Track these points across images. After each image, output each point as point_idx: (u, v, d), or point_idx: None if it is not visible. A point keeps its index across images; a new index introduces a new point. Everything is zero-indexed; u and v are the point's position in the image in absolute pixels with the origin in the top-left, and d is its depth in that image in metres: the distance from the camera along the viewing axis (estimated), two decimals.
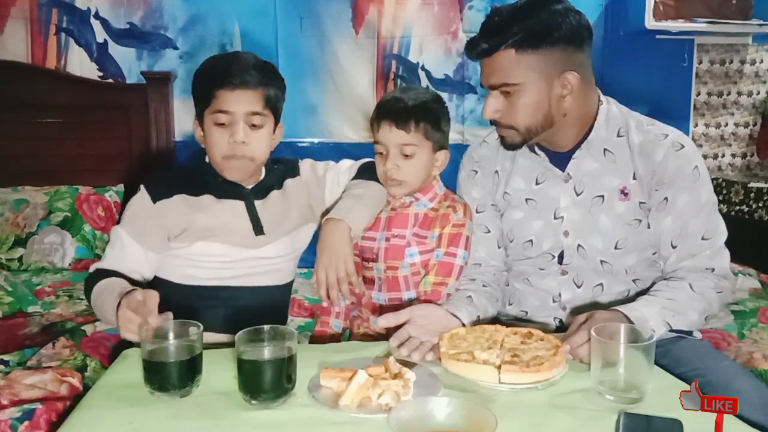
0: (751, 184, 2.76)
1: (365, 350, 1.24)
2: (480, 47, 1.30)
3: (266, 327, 1.05)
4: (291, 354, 1.02)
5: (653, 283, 1.37)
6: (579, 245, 1.41)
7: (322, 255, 1.35)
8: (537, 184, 1.45)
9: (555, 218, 1.43)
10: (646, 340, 1.02)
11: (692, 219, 1.34)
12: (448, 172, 1.55)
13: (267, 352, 1.02)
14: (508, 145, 1.40)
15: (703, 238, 1.34)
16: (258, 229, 1.44)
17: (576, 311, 1.35)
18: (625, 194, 1.38)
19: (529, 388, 1.05)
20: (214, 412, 1.00)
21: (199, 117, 1.42)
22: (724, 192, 2.87)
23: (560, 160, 1.42)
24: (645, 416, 0.93)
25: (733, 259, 2.60)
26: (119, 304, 1.16)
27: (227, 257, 1.42)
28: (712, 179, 2.89)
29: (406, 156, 1.42)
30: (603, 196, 1.39)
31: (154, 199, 1.41)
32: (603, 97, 1.42)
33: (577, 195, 1.41)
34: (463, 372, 1.09)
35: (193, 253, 1.41)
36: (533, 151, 1.44)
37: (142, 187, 1.44)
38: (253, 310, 1.44)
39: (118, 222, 1.47)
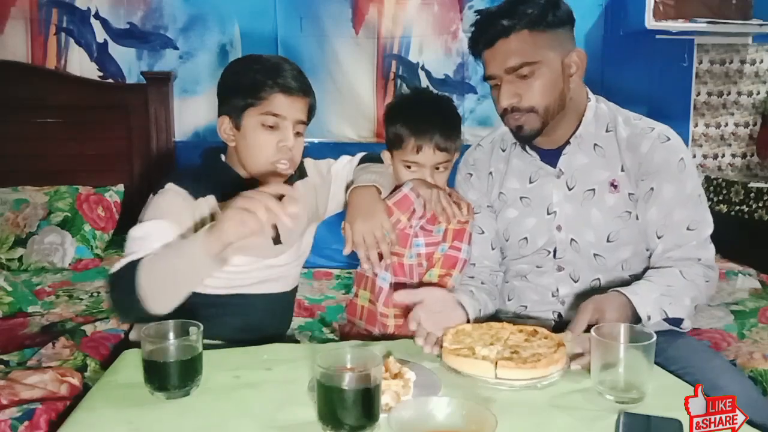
0: (751, 184, 2.76)
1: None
2: (500, 26, 1.30)
3: (348, 348, 0.98)
4: (376, 383, 0.92)
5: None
6: (572, 239, 1.43)
7: (356, 219, 1.35)
8: (531, 182, 1.47)
9: (548, 213, 1.45)
10: (646, 340, 1.02)
11: (677, 209, 1.35)
12: None
13: (348, 380, 0.91)
14: (527, 135, 1.38)
15: (688, 229, 1.35)
16: (277, 238, 1.41)
17: (575, 305, 1.35)
18: (615, 186, 1.39)
19: (528, 388, 1.06)
20: (214, 412, 1.00)
21: (236, 114, 1.34)
22: (724, 192, 2.87)
23: (551, 157, 1.44)
24: (645, 416, 0.93)
25: (733, 259, 2.60)
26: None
27: (242, 267, 1.37)
28: (712, 179, 2.94)
29: (438, 170, 1.47)
30: (594, 190, 1.41)
31: (195, 195, 1.31)
32: (591, 95, 1.45)
33: (569, 190, 1.43)
34: (461, 367, 1.10)
35: None
36: (525, 150, 1.46)
37: (171, 184, 1.31)
38: (260, 318, 1.43)
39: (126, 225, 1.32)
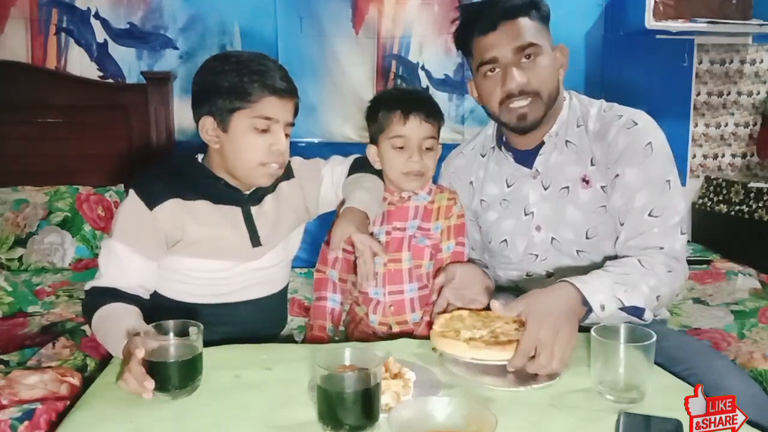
0: (751, 184, 2.76)
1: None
2: (506, 7, 1.32)
3: (348, 349, 0.99)
4: (376, 382, 0.92)
5: None
6: (552, 238, 1.43)
7: (344, 225, 1.33)
8: (509, 186, 1.48)
9: (525, 215, 1.45)
10: (646, 340, 1.02)
11: (638, 193, 1.31)
12: None
13: (348, 380, 0.91)
14: (528, 125, 1.38)
15: (650, 215, 1.30)
16: (255, 240, 1.38)
17: None
18: (587, 182, 1.39)
19: (527, 387, 1.06)
20: (215, 412, 1.00)
21: (222, 116, 1.30)
22: (724, 192, 2.87)
23: (527, 158, 1.45)
24: (645, 416, 0.93)
25: (733, 259, 2.60)
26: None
27: (222, 272, 1.36)
28: (712, 179, 2.93)
29: (428, 149, 1.45)
30: (567, 187, 1.41)
31: (150, 205, 1.30)
32: (566, 93, 1.45)
33: (545, 189, 1.43)
34: (441, 346, 1.13)
35: (185, 269, 1.36)
36: (501, 150, 1.48)
37: (132, 192, 1.33)
38: (251, 325, 1.42)
39: (107, 234, 1.38)
